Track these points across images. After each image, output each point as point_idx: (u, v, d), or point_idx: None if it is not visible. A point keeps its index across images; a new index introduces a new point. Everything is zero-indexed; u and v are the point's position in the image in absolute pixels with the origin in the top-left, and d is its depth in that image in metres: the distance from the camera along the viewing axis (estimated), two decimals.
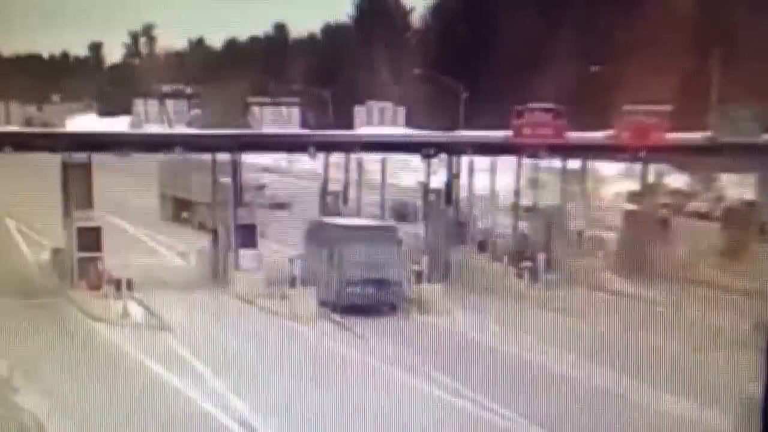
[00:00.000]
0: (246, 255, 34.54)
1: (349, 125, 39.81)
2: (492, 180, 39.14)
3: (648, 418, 22.41)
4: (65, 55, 56.79)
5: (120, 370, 25.21)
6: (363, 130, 39.21)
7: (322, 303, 31.58)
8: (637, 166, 39.52)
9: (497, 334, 28.20)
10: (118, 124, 43.83)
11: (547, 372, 25.31)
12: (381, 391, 23.82)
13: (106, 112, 47.08)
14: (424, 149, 37.09)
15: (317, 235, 34.34)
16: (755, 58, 34.43)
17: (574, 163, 39.20)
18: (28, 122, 41.37)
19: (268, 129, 38.26)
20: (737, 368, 21.04)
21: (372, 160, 38.89)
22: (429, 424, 21.91)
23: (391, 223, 36.55)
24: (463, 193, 38.98)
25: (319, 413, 21.94)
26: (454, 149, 38.12)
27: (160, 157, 41.20)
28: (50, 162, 35.90)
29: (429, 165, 38.03)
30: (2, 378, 24.68)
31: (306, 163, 39.33)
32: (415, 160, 38.78)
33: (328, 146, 37.21)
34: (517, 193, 38.95)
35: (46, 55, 56.14)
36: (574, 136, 36.78)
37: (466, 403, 23.28)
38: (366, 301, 31.31)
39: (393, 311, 31.60)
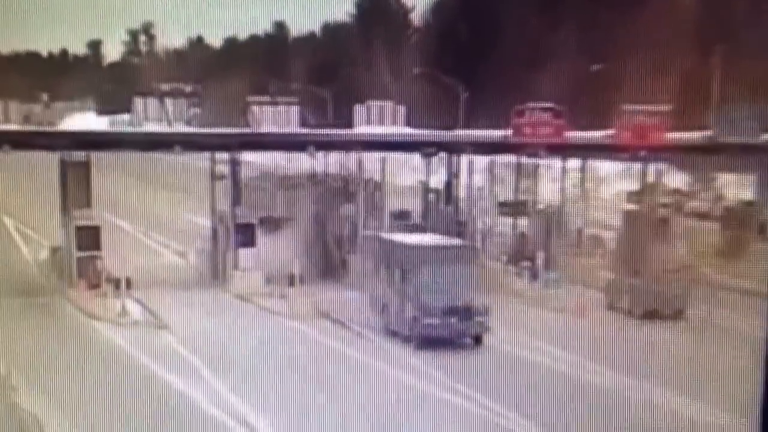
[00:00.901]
0: (245, 254, 34.54)
1: (349, 124, 39.74)
2: (491, 179, 39.22)
3: (647, 417, 22.41)
4: (64, 53, 56.72)
5: (119, 369, 25.20)
6: (362, 129, 39.15)
7: (392, 333, 28.34)
8: (637, 166, 39.57)
9: (496, 334, 28.17)
10: (99, 123, 43.72)
11: (546, 371, 25.29)
12: (380, 389, 23.81)
13: (105, 110, 46.99)
14: (424, 148, 37.08)
15: (379, 253, 30.72)
16: (755, 58, 34.39)
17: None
18: (27, 119, 41.34)
19: (267, 128, 38.20)
20: (737, 368, 20.98)
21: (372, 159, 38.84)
22: (427, 423, 21.87)
23: (465, 241, 32.70)
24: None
25: (317, 412, 21.93)
26: (453, 148, 38.13)
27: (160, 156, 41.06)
28: (49, 160, 35.92)
29: (429, 164, 38.04)
30: (1, 377, 24.66)
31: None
32: (415, 159, 38.79)
33: (327, 145, 37.18)
34: (517, 192, 39.11)
35: (44, 53, 56.08)
36: (574, 135, 36.82)
37: (465, 401, 23.26)
38: (448, 333, 27.32)
39: (478, 344, 27.78)
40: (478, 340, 27.68)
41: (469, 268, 28.42)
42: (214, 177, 37.27)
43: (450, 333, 27.24)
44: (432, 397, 23.32)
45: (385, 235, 32.29)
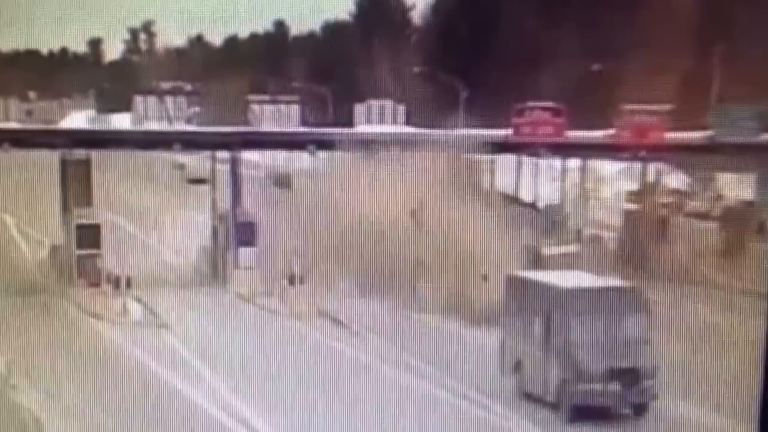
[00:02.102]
0: (245, 253, 34.57)
1: (350, 123, 39.80)
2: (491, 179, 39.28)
3: (645, 417, 22.45)
4: (64, 51, 56.74)
5: (118, 368, 25.22)
6: (363, 129, 39.22)
7: (527, 396, 23.31)
8: (637, 165, 39.64)
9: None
10: (80, 120, 43.97)
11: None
12: (378, 388, 23.82)
13: (105, 108, 47.02)
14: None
15: (519, 297, 24.50)
16: (755, 57, 34.41)
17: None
18: (29, 113, 41.52)
19: (268, 127, 38.27)
20: (736, 367, 21.01)
21: None
22: (425, 422, 21.89)
23: (629, 283, 25.51)
24: None
25: (316, 411, 21.95)
26: (454, 148, 38.11)
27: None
28: (50, 159, 35.96)
29: None
30: (1, 375, 24.69)
31: None
32: None
33: (327, 144, 37.21)
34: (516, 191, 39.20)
35: (44, 51, 56.09)
36: (574, 134, 36.86)
37: (465, 402, 23.28)
38: (609, 402, 22.15)
39: (641, 413, 22.50)
40: (640, 409, 22.45)
41: (635, 318, 22.79)
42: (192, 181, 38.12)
43: (610, 402, 22.16)
44: None
45: (520, 273, 26.18)
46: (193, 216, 38.67)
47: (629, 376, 21.99)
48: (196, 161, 44.34)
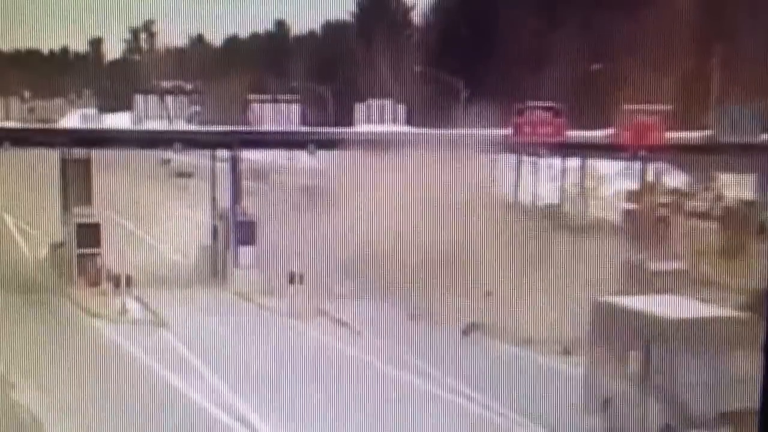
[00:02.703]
0: (245, 252, 34.57)
1: (350, 123, 39.80)
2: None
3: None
4: (65, 51, 56.79)
5: (118, 367, 25.22)
6: (363, 128, 39.20)
7: None
8: (637, 165, 39.64)
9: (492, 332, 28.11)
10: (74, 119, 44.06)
11: (546, 370, 25.31)
12: (377, 387, 23.81)
13: (106, 108, 47.07)
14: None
15: (609, 326, 21.32)
16: (755, 58, 34.40)
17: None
18: (31, 110, 41.62)
19: (268, 126, 38.27)
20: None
21: None
22: (424, 421, 21.89)
23: (743, 312, 21.53)
24: None
25: (316, 410, 21.95)
26: (454, 148, 38.12)
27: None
28: (50, 158, 35.98)
29: None
30: (0, 374, 24.70)
31: None
32: None
33: (327, 144, 37.23)
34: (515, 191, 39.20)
35: (45, 50, 56.17)
36: (574, 134, 36.86)
37: (466, 401, 23.29)
38: None
39: None
40: None
41: (749, 352, 18.96)
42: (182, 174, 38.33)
43: None
44: None
45: (613, 299, 22.62)
46: (191, 214, 38.74)
47: (741, 421, 19.00)
48: (181, 156, 44.81)
